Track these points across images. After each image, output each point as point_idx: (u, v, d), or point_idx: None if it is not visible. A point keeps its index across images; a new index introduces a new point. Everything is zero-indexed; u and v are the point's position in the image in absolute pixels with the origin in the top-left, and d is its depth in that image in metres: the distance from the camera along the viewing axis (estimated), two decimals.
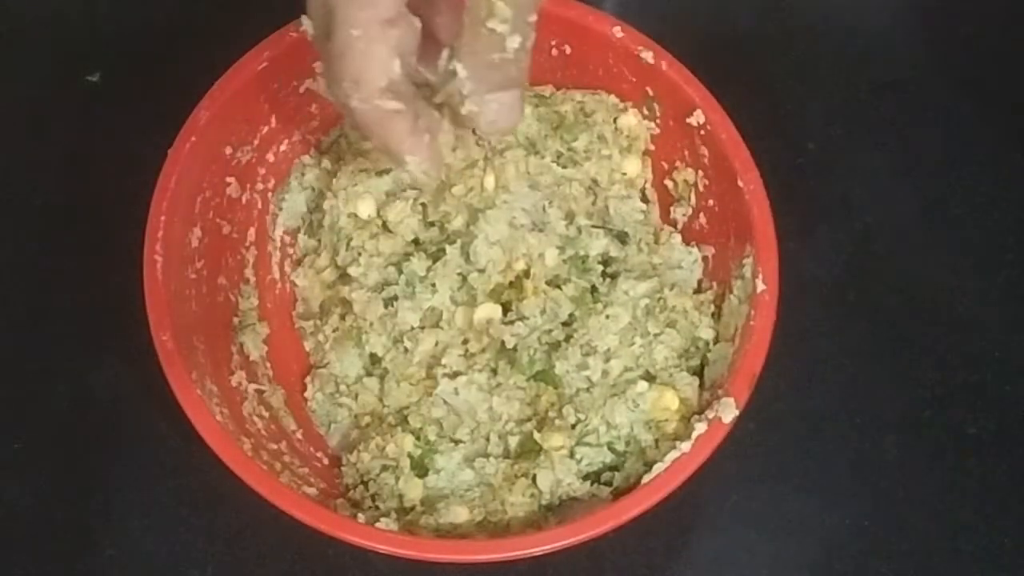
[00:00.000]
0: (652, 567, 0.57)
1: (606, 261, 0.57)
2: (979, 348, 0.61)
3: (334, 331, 0.58)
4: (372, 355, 0.57)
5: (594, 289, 0.56)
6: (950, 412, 0.60)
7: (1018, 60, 0.69)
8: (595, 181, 0.59)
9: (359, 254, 0.58)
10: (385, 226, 0.58)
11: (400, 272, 0.57)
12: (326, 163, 0.61)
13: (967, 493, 0.58)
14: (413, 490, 0.54)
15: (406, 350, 0.56)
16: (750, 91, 0.60)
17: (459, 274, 0.56)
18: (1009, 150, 0.67)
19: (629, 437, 0.53)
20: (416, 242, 0.58)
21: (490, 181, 0.56)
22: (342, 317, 0.58)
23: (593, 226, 0.57)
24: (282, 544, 0.55)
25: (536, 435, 0.53)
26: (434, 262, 0.56)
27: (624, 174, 0.60)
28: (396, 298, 0.57)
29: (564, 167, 0.59)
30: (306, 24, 0.46)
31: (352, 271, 0.58)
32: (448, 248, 0.56)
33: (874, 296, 0.63)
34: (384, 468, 0.54)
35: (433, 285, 0.56)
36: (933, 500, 0.58)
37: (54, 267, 0.63)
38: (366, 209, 0.58)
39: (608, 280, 0.57)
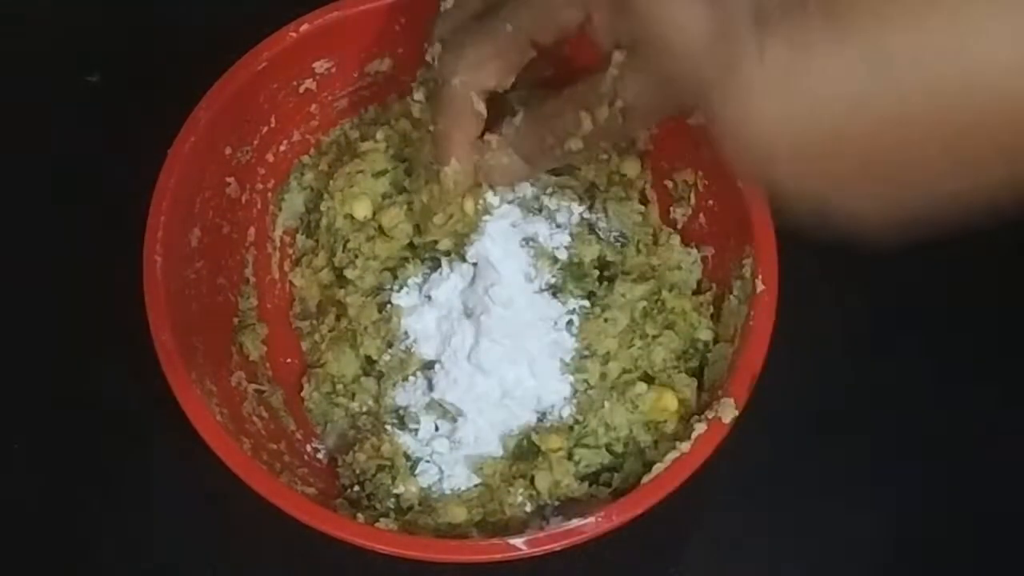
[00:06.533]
0: (652, 567, 0.57)
1: (603, 265, 0.57)
2: (979, 348, 0.61)
3: (330, 331, 0.58)
4: (367, 357, 0.57)
5: (591, 294, 0.56)
6: (951, 412, 0.60)
7: None
8: (594, 184, 0.59)
9: (356, 256, 0.58)
10: (381, 229, 0.58)
11: (395, 277, 0.57)
12: (324, 164, 0.61)
13: (968, 494, 0.58)
14: (409, 490, 0.54)
15: (402, 357, 0.56)
16: None
17: None
18: None
19: (628, 438, 0.53)
20: (412, 246, 0.58)
21: (470, 206, 0.55)
22: (337, 318, 0.58)
23: (589, 232, 0.57)
24: (282, 544, 0.54)
25: (534, 436, 0.53)
26: (430, 270, 0.56)
27: (623, 175, 0.60)
28: (390, 303, 0.56)
29: (559, 175, 0.58)
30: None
31: (348, 273, 0.58)
32: (443, 260, 0.56)
33: (874, 296, 0.63)
34: (380, 468, 0.54)
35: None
36: (934, 500, 0.58)
37: (53, 267, 0.63)
38: (362, 210, 0.58)
39: (605, 284, 0.56)
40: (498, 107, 0.49)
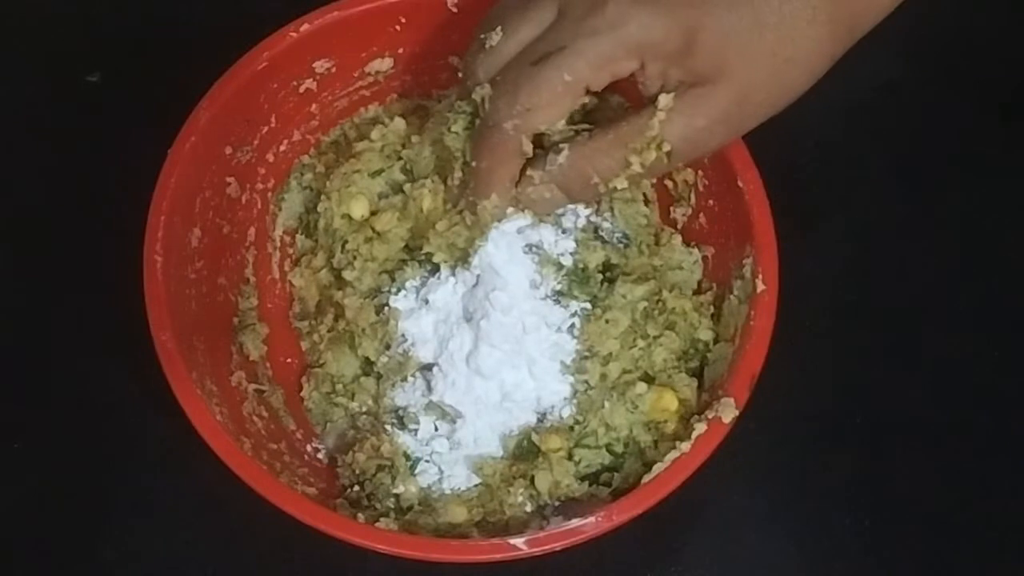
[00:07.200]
0: (652, 567, 0.57)
1: (607, 268, 0.57)
2: (979, 347, 0.61)
3: (329, 331, 0.58)
4: (366, 358, 0.57)
5: (593, 296, 0.56)
6: (951, 412, 0.60)
7: (1017, 60, 0.69)
8: None
9: (354, 257, 0.58)
10: (376, 231, 0.58)
11: (393, 280, 0.57)
12: (320, 167, 0.61)
13: (968, 493, 0.58)
14: (409, 490, 0.54)
15: (399, 360, 0.56)
16: None
17: None
18: (1008, 149, 0.67)
19: (628, 439, 0.53)
20: (408, 248, 0.58)
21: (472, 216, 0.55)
22: (336, 319, 0.58)
23: (594, 236, 0.57)
24: (282, 544, 0.55)
25: (534, 437, 0.53)
26: (429, 273, 0.56)
27: None
28: (388, 305, 0.56)
29: None
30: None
31: (347, 275, 0.58)
32: (442, 265, 0.56)
33: (874, 296, 0.63)
34: (380, 468, 0.54)
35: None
36: (934, 500, 0.58)
37: (54, 267, 0.63)
38: (359, 210, 0.58)
39: (607, 285, 0.56)
40: (538, 139, 0.49)
